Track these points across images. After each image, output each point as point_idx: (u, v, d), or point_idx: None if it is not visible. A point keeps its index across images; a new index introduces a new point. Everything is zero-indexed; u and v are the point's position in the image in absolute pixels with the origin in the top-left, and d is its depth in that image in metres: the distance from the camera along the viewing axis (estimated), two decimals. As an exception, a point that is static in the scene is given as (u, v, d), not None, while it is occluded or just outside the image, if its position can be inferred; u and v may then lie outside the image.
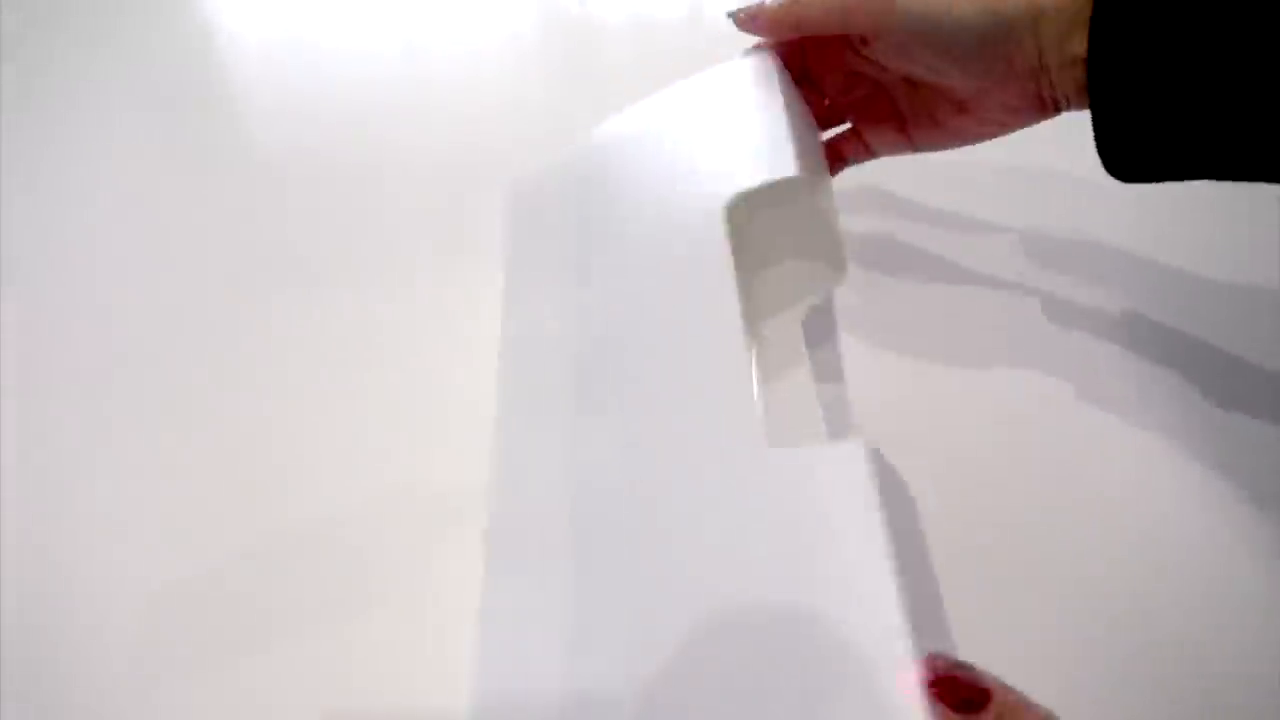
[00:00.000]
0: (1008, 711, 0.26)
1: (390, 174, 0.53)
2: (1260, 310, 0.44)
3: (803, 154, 0.38)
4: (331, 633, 0.36)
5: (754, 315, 0.41)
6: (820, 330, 0.44)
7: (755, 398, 0.33)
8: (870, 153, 0.44)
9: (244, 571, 0.38)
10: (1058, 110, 0.38)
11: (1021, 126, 0.39)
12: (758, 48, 0.43)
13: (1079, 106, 0.37)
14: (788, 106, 0.39)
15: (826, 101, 0.44)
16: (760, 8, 0.41)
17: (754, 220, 0.42)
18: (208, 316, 0.47)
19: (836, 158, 0.45)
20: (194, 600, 0.37)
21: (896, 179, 0.50)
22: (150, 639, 0.36)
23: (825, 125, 0.44)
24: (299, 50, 0.63)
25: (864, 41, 0.40)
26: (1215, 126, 0.33)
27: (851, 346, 0.44)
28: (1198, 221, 0.47)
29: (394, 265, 0.48)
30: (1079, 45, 0.35)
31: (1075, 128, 0.37)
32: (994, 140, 0.41)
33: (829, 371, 0.42)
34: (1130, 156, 0.35)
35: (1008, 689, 0.26)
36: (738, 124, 0.40)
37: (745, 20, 0.41)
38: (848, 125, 0.44)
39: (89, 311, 0.48)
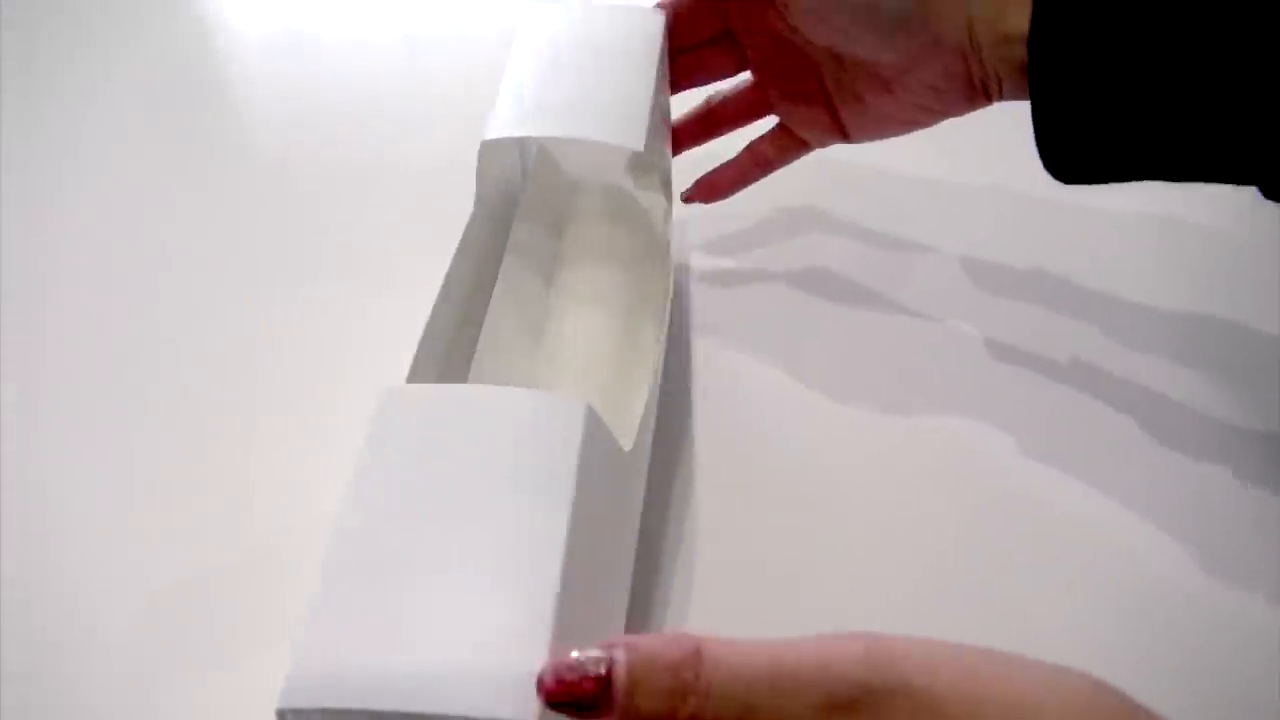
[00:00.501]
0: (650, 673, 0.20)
1: (389, 172, 0.53)
2: (1220, 341, 0.43)
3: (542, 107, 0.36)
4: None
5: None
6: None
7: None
8: (799, 143, 0.41)
9: (243, 571, 0.38)
10: (988, 98, 0.35)
11: (953, 113, 0.36)
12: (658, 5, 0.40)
13: (1013, 92, 0.34)
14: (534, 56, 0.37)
15: (751, 75, 0.41)
16: None
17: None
18: (207, 315, 0.47)
19: (763, 159, 0.42)
20: (193, 600, 0.37)
21: (852, 202, 0.49)
22: (150, 639, 0.36)
23: (752, 114, 0.42)
24: (298, 48, 0.63)
25: (784, 3, 0.37)
26: (1173, 117, 0.30)
27: (790, 380, 0.43)
28: (1160, 251, 0.46)
29: (392, 264, 0.48)
30: (1015, 21, 0.32)
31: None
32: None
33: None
34: (1072, 150, 0.32)
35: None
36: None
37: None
38: (775, 121, 0.42)
39: (88, 311, 0.48)
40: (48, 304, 0.48)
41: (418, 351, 0.34)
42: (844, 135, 0.40)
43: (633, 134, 0.35)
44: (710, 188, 0.43)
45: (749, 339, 0.45)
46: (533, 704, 0.22)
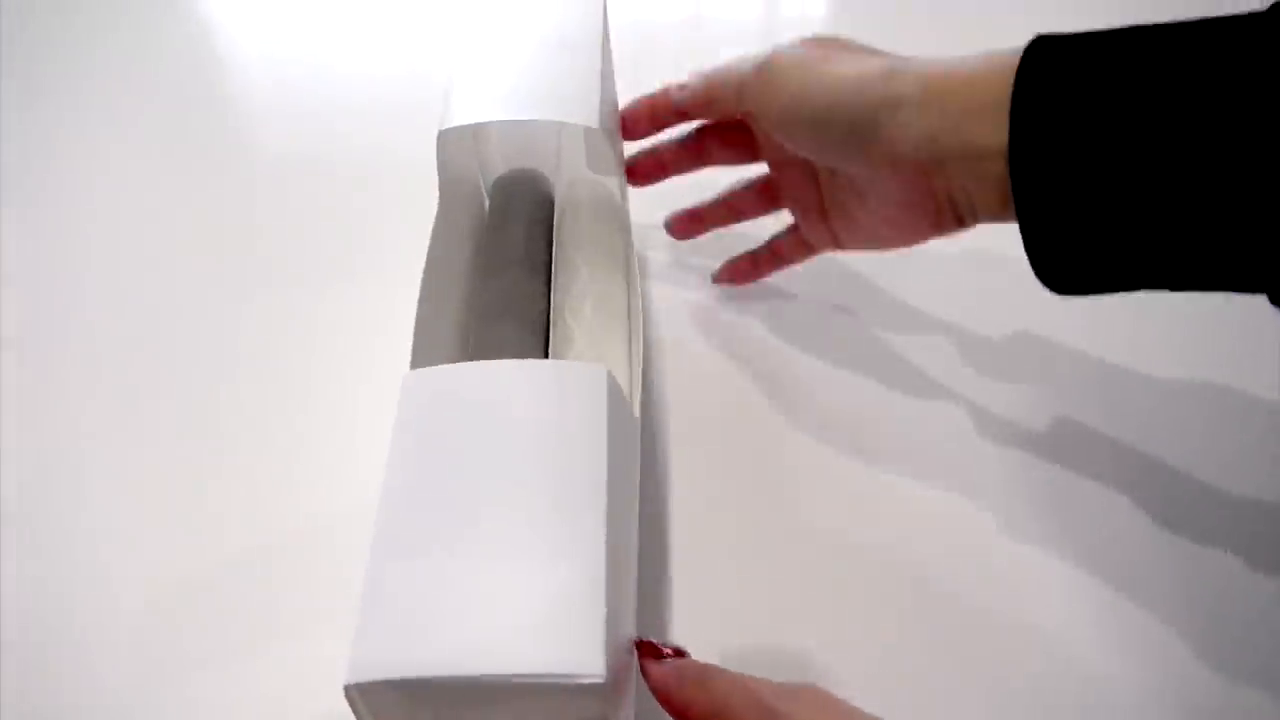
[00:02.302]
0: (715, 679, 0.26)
1: (388, 175, 0.53)
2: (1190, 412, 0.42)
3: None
4: (330, 632, 0.36)
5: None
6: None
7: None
8: (808, 245, 0.42)
9: (243, 571, 0.38)
10: (959, 221, 0.33)
11: (925, 234, 0.35)
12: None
13: (988, 211, 0.32)
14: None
15: (768, 180, 0.42)
16: (683, 96, 0.40)
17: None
18: (208, 316, 0.47)
19: (780, 255, 0.44)
20: (194, 600, 0.37)
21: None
22: (150, 639, 0.36)
23: (767, 206, 0.43)
24: (299, 50, 0.63)
25: (756, 119, 0.37)
26: (1166, 227, 0.28)
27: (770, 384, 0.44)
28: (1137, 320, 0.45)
29: (391, 267, 0.48)
30: (983, 134, 0.30)
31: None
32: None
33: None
34: (1066, 265, 0.30)
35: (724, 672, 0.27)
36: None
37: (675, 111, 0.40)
38: (791, 222, 0.42)
39: (88, 311, 0.48)
40: (49, 304, 0.48)
41: (415, 343, 0.34)
42: (837, 244, 0.40)
43: (586, 113, 0.36)
44: (734, 273, 0.46)
45: (731, 347, 0.45)
46: (600, 659, 0.23)
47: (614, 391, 0.29)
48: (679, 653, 0.28)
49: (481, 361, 0.30)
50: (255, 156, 0.57)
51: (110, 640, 0.36)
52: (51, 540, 0.39)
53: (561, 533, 0.25)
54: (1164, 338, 0.44)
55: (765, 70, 0.36)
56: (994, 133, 0.29)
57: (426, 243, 0.37)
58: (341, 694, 0.34)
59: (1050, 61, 0.29)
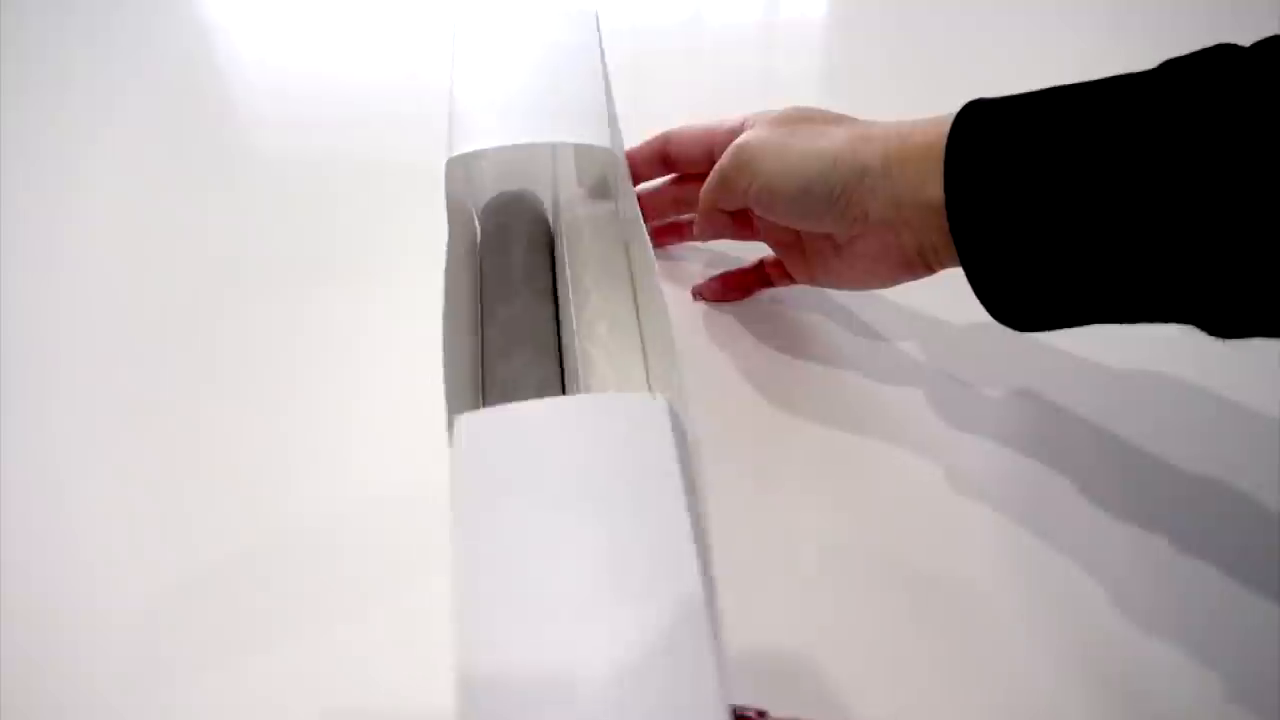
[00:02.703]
0: None
1: (388, 176, 0.53)
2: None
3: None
4: (330, 632, 0.36)
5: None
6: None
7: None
8: (790, 279, 0.44)
9: (242, 572, 0.38)
10: (928, 267, 0.36)
11: (897, 279, 0.38)
12: None
13: (949, 259, 0.35)
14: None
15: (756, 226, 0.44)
16: (699, 222, 0.43)
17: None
18: (207, 317, 0.47)
19: (765, 279, 0.46)
20: (194, 600, 0.37)
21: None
22: (150, 639, 0.36)
23: (749, 236, 0.45)
24: (298, 51, 0.63)
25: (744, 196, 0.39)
26: (1098, 267, 0.31)
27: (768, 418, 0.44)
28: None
29: (391, 267, 0.48)
30: (935, 191, 0.33)
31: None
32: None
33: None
34: (1013, 305, 0.33)
35: None
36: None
37: (700, 234, 0.44)
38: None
39: (88, 312, 0.48)
40: (49, 304, 0.48)
41: (445, 373, 0.33)
42: (817, 284, 0.43)
43: (596, 132, 0.36)
44: (718, 290, 0.47)
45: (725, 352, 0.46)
46: None
47: (676, 422, 0.28)
48: (761, 714, 0.28)
49: (541, 400, 0.29)
50: (253, 161, 0.57)
51: (110, 641, 0.36)
52: (51, 540, 0.39)
53: (652, 580, 0.24)
54: (1163, 338, 0.44)
55: (736, 158, 0.38)
56: (937, 189, 0.33)
57: (418, 246, 0.37)
58: (338, 693, 0.34)
59: (977, 123, 0.32)
